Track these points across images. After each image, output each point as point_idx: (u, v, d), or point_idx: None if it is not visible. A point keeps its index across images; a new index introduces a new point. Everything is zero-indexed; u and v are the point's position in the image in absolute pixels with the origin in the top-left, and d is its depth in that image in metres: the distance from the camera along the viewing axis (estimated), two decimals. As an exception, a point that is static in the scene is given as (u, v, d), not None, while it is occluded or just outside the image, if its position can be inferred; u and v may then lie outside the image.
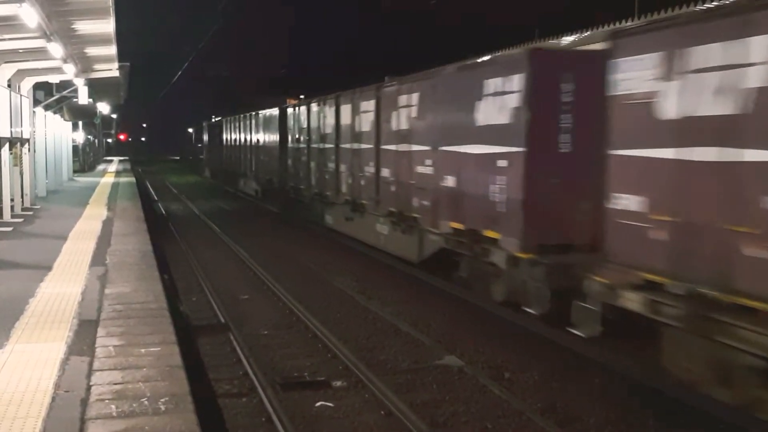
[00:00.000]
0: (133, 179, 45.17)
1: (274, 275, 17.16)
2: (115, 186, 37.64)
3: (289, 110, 29.82)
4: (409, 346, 11.77)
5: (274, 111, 32.50)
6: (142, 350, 8.31)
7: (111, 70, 29.24)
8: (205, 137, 63.59)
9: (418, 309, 14.20)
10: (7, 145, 20.84)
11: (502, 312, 13.52)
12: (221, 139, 50.85)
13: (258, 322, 13.36)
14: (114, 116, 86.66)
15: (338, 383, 10.04)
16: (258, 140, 36.59)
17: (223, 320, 13.38)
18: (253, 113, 38.01)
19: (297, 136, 27.98)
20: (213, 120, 60.35)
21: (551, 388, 9.79)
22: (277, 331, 12.80)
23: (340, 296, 15.51)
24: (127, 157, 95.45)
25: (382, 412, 8.98)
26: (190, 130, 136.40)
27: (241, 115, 42.27)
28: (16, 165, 22.52)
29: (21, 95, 23.21)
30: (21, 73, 23.18)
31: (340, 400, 9.48)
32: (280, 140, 30.60)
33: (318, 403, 9.30)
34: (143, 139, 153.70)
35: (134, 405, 6.60)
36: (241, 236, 24.06)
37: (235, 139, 44.46)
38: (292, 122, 29.11)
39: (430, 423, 8.55)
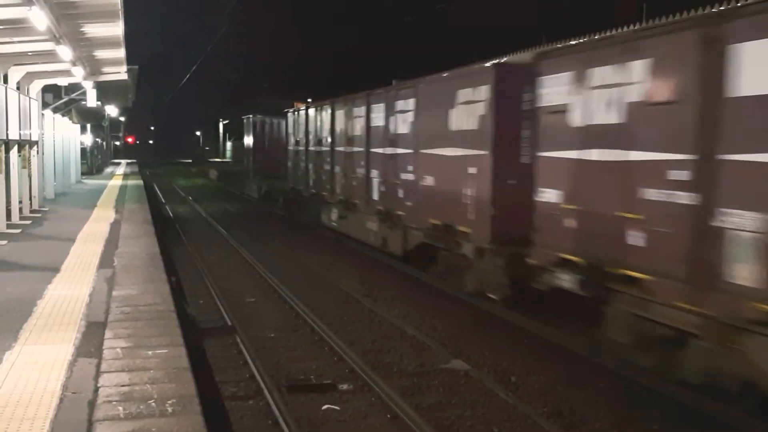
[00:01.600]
0: (140, 182, 45.25)
1: (280, 277, 17.19)
2: (122, 188, 37.72)
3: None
4: (415, 350, 11.78)
5: (479, 81, 14.36)
6: (150, 352, 8.33)
7: (119, 73, 29.35)
8: (250, 140, 42.98)
9: (424, 312, 14.21)
10: (15, 148, 20.92)
11: (508, 316, 13.54)
12: (295, 141, 30.86)
13: (264, 325, 13.39)
14: (122, 119, 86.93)
15: (344, 386, 10.06)
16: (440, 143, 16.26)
17: (229, 323, 13.43)
18: (402, 87, 18.88)
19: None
20: (254, 115, 42.04)
21: (557, 393, 9.80)
22: (283, 334, 12.83)
23: (345, 299, 15.53)
24: (134, 160, 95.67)
25: (388, 416, 9.00)
26: (198, 132, 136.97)
27: (364, 98, 21.65)
28: (24, 167, 22.60)
29: (30, 98, 23.31)
30: (30, 76, 23.27)
31: (346, 403, 9.50)
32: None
33: (324, 406, 9.32)
34: (151, 141, 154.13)
35: (141, 407, 6.63)
36: (247, 238, 24.12)
37: (350, 141, 22.95)
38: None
39: (435, 426, 8.56)
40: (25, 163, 22.79)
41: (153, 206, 29.97)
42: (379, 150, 20.08)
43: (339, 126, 24.29)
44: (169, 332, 9.26)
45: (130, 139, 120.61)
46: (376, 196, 20.36)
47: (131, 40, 23.05)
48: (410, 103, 16.92)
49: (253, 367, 10.64)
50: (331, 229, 24.84)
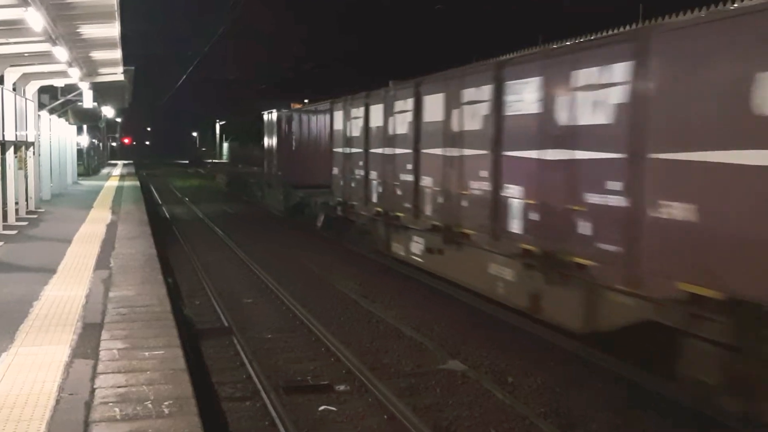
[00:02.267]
0: (137, 183, 45.23)
1: (277, 278, 17.18)
2: (119, 189, 37.68)
3: None
4: (413, 350, 11.77)
5: None
6: (146, 353, 8.32)
7: (116, 74, 29.31)
8: (273, 140, 35.10)
9: (422, 313, 14.20)
10: (11, 149, 20.89)
11: (505, 317, 13.52)
12: (346, 140, 22.60)
13: (261, 326, 13.37)
14: (118, 120, 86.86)
15: (341, 387, 10.05)
16: None
17: (226, 324, 13.41)
18: None
19: None
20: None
21: (554, 393, 9.79)
22: (280, 335, 12.81)
23: (343, 300, 15.51)
24: (131, 161, 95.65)
25: (385, 416, 8.99)
26: (195, 133, 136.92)
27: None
28: (21, 168, 22.58)
29: (26, 99, 23.28)
30: (26, 77, 23.24)
31: (343, 404, 9.49)
32: None
33: (321, 407, 9.31)
34: (147, 142, 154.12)
35: (138, 408, 6.61)
36: (244, 239, 24.09)
37: (453, 139, 15.25)
38: None
39: (433, 427, 8.55)
40: (22, 164, 22.76)
41: (150, 207, 29.94)
42: (528, 154, 12.43)
43: (429, 117, 16.83)
44: (166, 333, 9.24)
45: (126, 140, 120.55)
46: (516, 227, 12.79)
47: (127, 41, 23.05)
48: (616, 71, 10.13)
49: (250, 368, 10.63)
50: (413, 265, 17.71)
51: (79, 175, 48.14)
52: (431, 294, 15.96)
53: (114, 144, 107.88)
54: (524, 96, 12.50)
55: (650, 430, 8.71)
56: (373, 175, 20.19)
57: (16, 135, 20.72)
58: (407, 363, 11.10)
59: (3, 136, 18.87)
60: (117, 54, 23.61)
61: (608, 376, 10.35)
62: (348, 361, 10.96)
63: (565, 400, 9.50)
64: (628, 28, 11.33)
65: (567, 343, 11.58)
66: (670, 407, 9.21)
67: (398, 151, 18.36)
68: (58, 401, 6.76)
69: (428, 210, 16.53)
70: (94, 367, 7.79)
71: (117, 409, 6.57)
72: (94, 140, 65.59)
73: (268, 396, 9.47)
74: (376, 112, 20.03)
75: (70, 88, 31.18)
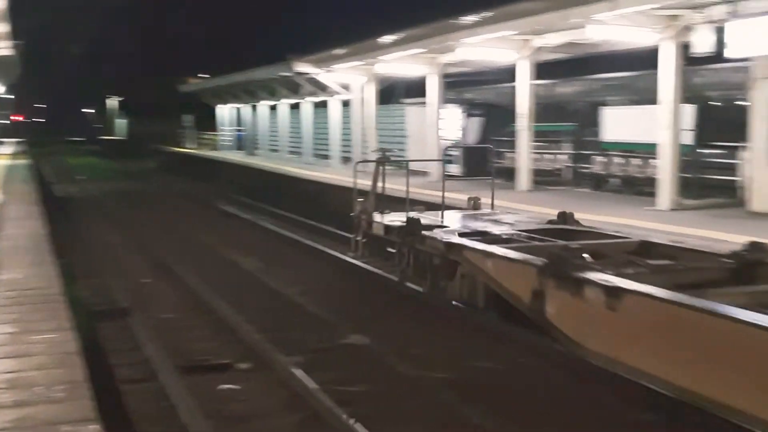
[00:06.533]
0: (29, 161, 43.70)
1: (179, 257, 16.88)
2: (9, 169, 36.31)
3: None
4: (316, 326, 11.72)
5: None
6: (37, 337, 8.00)
7: (3, 49, 28.25)
8: None
9: (325, 288, 14.18)
10: None
11: (412, 292, 13.56)
12: None
13: (161, 306, 13.11)
14: (11, 97, 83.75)
15: (243, 365, 9.91)
16: None
17: (124, 304, 13.08)
18: None
19: None
20: None
21: (460, 364, 9.84)
22: (180, 315, 12.59)
23: (245, 277, 15.37)
24: (24, 139, 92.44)
25: (288, 393, 8.90)
26: (91, 110, 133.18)
27: None
28: None
29: None
30: None
31: (245, 381, 9.36)
32: None
33: (222, 386, 9.16)
34: (42, 120, 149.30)
35: (28, 394, 6.35)
36: (141, 217, 23.67)
37: None
38: None
39: (337, 401, 8.48)
40: None
41: (42, 186, 29.01)
42: None
43: None
44: (57, 316, 8.89)
45: (19, 118, 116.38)
46: None
47: (17, 14, 22.23)
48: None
49: (148, 349, 10.39)
50: None
51: (-35, 154, 46.23)
52: (335, 269, 15.93)
53: (7, 122, 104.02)
54: None
55: (557, 394, 8.80)
56: None
57: None
58: (310, 338, 11.03)
59: None
60: (4, 28, 22.72)
61: (517, 347, 10.36)
62: (250, 339, 10.82)
63: (471, 371, 9.57)
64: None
65: (477, 316, 11.65)
66: (584, 374, 9.29)
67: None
68: (-59, 390, 6.44)
69: None
70: (-20, 353, 7.45)
71: (6, 396, 6.30)
72: (-18, 118, 63.09)
73: (167, 376, 9.26)
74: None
75: (-45, 64, 29.88)
